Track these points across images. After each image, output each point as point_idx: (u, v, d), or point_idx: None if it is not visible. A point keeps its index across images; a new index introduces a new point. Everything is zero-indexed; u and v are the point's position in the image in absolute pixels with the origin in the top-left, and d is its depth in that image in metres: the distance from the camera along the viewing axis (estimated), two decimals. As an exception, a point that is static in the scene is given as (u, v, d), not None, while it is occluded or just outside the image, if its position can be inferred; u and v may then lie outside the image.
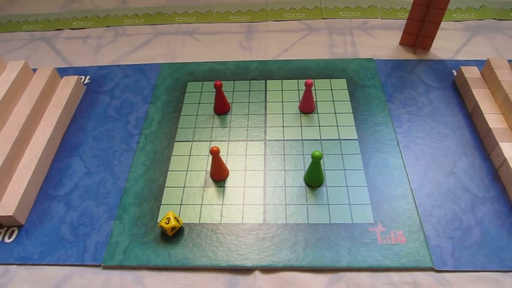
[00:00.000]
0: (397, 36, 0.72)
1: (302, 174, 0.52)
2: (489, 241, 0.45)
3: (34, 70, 0.63)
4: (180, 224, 0.46)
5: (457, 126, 0.57)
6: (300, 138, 0.56)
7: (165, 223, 0.45)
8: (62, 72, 0.68)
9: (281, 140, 0.56)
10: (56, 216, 0.49)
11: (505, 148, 0.50)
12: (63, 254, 0.46)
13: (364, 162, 0.53)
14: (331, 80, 0.64)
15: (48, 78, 0.61)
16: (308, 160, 0.53)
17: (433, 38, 0.67)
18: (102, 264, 0.45)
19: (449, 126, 0.57)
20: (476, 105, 0.56)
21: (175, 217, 0.46)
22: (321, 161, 0.51)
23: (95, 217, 0.49)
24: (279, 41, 0.73)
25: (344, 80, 0.64)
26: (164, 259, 0.45)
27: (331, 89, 0.62)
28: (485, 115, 0.54)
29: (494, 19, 0.75)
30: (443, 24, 0.73)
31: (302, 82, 0.64)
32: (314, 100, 0.60)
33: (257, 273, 0.44)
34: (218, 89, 0.57)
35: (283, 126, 0.58)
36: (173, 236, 0.47)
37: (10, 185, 0.50)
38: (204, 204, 0.49)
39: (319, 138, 0.56)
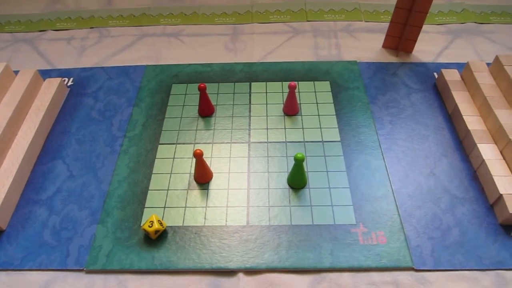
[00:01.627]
0: (380, 39, 0.73)
1: (285, 176, 0.52)
2: (467, 240, 0.46)
3: (16, 72, 0.62)
4: (163, 227, 0.46)
5: (437, 128, 0.58)
6: (284, 140, 0.56)
7: (148, 226, 0.45)
8: (45, 74, 0.68)
9: (265, 142, 0.56)
10: (38, 220, 0.49)
11: (483, 149, 0.51)
12: (46, 259, 0.46)
13: (346, 163, 0.53)
14: (315, 82, 0.64)
15: (30, 80, 0.60)
16: (292, 162, 0.53)
17: (415, 41, 0.68)
18: (85, 269, 0.45)
19: (430, 128, 0.58)
20: (456, 107, 0.58)
21: (158, 220, 0.46)
22: (304, 163, 0.52)
23: (78, 221, 0.49)
24: (264, 43, 0.74)
25: (328, 82, 0.64)
26: (147, 262, 0.45)
27: (315, 92, 0.63)
28: (464, 117, 0.56)
29: (475, 22, 0.77)
30: (425, 27, 0.74)
31: (286, 84, 0.64)
32: (298, 102, 0.61)
33: (240, 275, 0.44)
34: (202, 91, 0.57)
35: (267, 128, 0.58)
36: (156, 239, 0.47)
37: (-9, 189, 0.49)
38: (188, 207, 0.49)
39: (302, 140, 0.56)
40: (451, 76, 0.62)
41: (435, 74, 0.66)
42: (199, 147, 0.56)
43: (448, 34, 0.75)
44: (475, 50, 0.71)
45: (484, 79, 0.58)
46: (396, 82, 0.65)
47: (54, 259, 0.46)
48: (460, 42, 0.73)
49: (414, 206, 0.49)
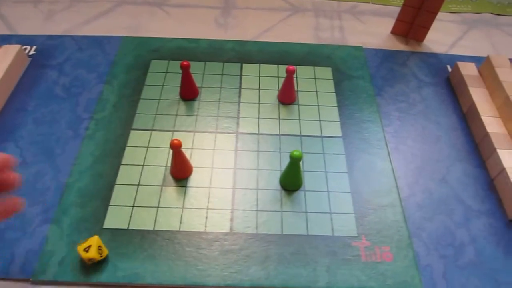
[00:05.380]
0: (388, 23, 0.65)
1: (277, 174, 0.45)
2: (484, 261, 0.40)
3: (-34, 35, 0.52)
4: (101, 257, 0.37)
5: (450, 127, 0.51)
6: (278, 133, 0.49)
7: (84, 250, 0.36)
8: (3, 40, 0.58)
9: (256, 133, 0.49)
10: (-22, 214, 0.41)
11: (503, 156, 0.45)
12: (-16, 263, 0.38)
13: (348, 164, 0.46)
14: (315, 68, 0.57)
15: (-19, 45, 0.51)
16: (286, 159, 0.46)
17: (429, 28, 0.61)
18: (31, 279, 0.37)
19: (442, 127, 0.51)
20: (472, 105, 0.51)
21: (99, 246, 0.37)
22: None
23: (27, 219, 0.40)
24: (259, 20, 0.65)
25: (330, 68, 0.57)
26: (108, 274, 0.37)
27: (315, 78, 0.55)
28: (482, 117, 0.49)
29: (491, 13, 0.70)
30: (437, 14, 0.67)
31: (282, 68, 0.56)
32: (295, 89, 0.53)
33: (219, 292, 0.37)
34: (185, 70, 0.49)
35: (259, 118, 0.50)
36: (120, 246, 0.39)
37: None
38: (161, 207, 0.42)
39: (299, 133, 0.49)
40: (468, 70, 0.55)
41: (448, 67, 0.59)
42: (178, 135, 0.48)
43: (462, 24, 0.68)
44: (491, 43, 0.64)
45: (507, 76, 0.51)
46: (405, 73, 0.57)
47: (-5, 264, 0.38)
48: (475, 34, 0.66)
49: (424, 217, 0.43)
